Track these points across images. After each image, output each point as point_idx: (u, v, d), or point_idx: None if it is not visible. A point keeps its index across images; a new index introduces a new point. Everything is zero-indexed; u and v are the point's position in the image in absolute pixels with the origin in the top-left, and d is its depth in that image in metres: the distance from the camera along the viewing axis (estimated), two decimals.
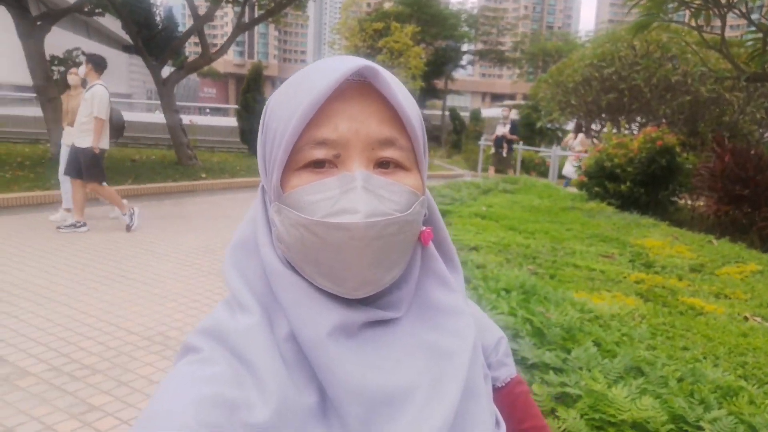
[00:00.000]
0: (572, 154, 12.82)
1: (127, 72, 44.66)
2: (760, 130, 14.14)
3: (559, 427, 1.93)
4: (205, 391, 0.53)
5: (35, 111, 13.68)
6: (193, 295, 4.90)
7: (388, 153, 0.60)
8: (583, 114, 17.60)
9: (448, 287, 0.67)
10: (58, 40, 14.87)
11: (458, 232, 5.05)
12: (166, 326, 4.23)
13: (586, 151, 12.41)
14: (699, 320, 3.07)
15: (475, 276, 3.46)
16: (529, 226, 5.49)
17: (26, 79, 11.80)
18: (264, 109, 0.66)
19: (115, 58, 40.32)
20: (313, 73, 0.61)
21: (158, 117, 15.24)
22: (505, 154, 13.75)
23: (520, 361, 2.42)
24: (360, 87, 0.60)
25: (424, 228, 0.66)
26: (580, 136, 13.30)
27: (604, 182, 9.07)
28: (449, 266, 0.73)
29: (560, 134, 22.83)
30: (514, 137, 13.66)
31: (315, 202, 0.58)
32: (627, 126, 15.93)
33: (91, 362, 3.62)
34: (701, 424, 1.91)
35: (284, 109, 0.60)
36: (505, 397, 0.76)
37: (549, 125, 21.64)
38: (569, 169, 12.55)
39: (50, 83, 11.71)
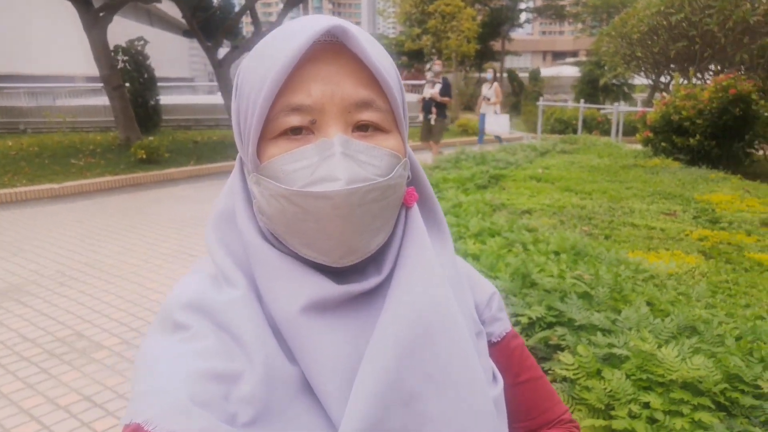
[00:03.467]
0: (488, 105, 11.84)
1: (188, 56, 45.91)
2: None
3: (604, 388, 1.88)
4: (197, 366, 0.54)
5: (105, 100, 14.32)
6: None
7: (366, 115, 0.58)
8: (650, 66, 16.68)
9: (427, 246, 0.64)
10: (123, 30, 15.47)
11: (511, 196, 4.94)
12: None
13: (499, 102, 11.94)
14: (766, 276, 2.89)
15: (525, 240, 3.38)
16: (586, 187, 5.30)
17: (96, 70, 12.35)
18: (236, 77, 0.64)
19: (176, 43, 41.50)
20: (281, 37, 0.59)
21: (218, 98, 15.59)
22: (433, 122, 10.25)
23: (567, 323, 2.36)
24: (332, 48, 0.58)
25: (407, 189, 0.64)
26: (495, 84, 11.79)
27: (672, 137, 8.60)
28: (435, 225, 0.71)
29: (626, 89, 21.79)
30: (446, 99, 10.22)
31: (293, 171, 0.56)
32: (699, 76, 14.98)
33: None
34: (759, 383, 1.81)
35: (255, 76, 0.58)
36: (501, 352, 0.74)
37: (614, 81, 20.67)
38: (494, 125, 11.66)
39: (115, 72, 12.20)
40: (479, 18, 26.95)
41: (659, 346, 2.02)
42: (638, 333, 2.15)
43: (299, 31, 0.57)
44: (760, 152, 9.02)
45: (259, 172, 0.59)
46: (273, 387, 0.55)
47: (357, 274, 0.62)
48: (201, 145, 12.61)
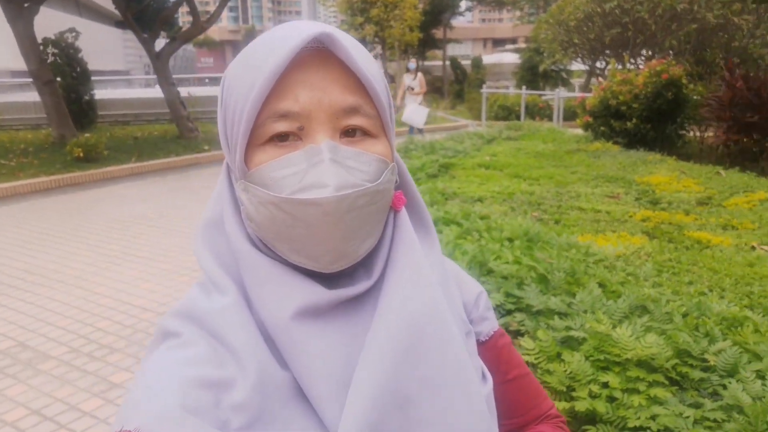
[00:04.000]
0: (412, 96, 11.66)
1: (122, 48, 44.18)
2: None
3: (565, 370, 1.94)
4: (188, 374, 0.53)
5: (34, 96, 13.62)
6: None
7: (354, 121, 0.59)
8: (586, 52, 17.20)
9: (417, 249, 0.65)
10: (50, 21, 14.72)
11: (462, 184, 5.02)
12: (179, 300, 4.28)
13: (423, 93, 11.79)
14: (705, 254, 3.05)
15: (479, 227, 3.45)
16: (533, 173, 5.44)
17: (21, 64, 11.71)
18: (221, 83, 0.63)
19: (108, 34, 39.84)
20: (268, 43, 0.58)
21: (156, 91, 15.08)
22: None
23: (525, 309, 2.43)
24: (319, 54, 0.58)
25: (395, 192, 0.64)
26: (420, 75, 11.60)
27: (610, 121, 8.92)
28: (422, 228, 0.72)
29: (564, 75, 22.41)
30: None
31: (282, 178, 0.56)
32: (632, 61, 15.57)
33: (109, 341, 3.69)
34: (706, 356, 1.91)
35: (241, 84, 0.58)
36: (490, 351, 0.75)
37: (553, 67, 21.22)
38: (412, 114, 11.27)
39: (44, 66, 11.59)
40: (421, 6, 27.05)
41: (614, 327, 2.11)
42: (593, 315, 2.24)
43: (286, 37, 0.57)
44: (691, 133, 9.47)
45: (247, 179, 0.59)
46: (265, 393, 0.55)
47: (347, 278, 0.62)
48: (141, 141, 12.19)
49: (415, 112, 11.35)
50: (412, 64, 12.12)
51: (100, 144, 9.97)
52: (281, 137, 0.58)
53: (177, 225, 6.37)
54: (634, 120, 8.58)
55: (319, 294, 0.59)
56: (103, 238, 5.97)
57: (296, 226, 0.56)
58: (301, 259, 0.59)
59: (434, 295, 0.63)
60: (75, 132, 11.53)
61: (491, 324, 0.77)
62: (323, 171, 0.55)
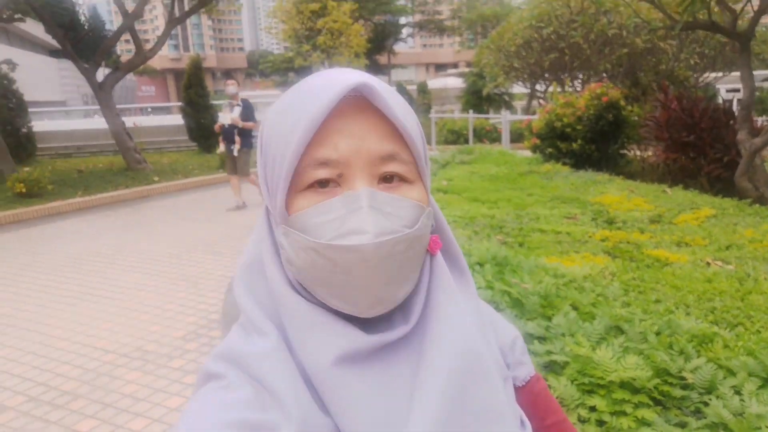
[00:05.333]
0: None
1: (58, 78, 42.66)
2: (695, 75, 14.66)
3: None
4: (231, 417, 0.54)
5: None
6: (166, 305, 4.81)
7: (391, 167, 0.60)
8: (527, 76, 17.86)
9: (456, 295, 0.67)
10: None
11: None
12: (142, 340, 4.15)
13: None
14: (666, 271, 3.21)
15: None
16: (491, 196, 5.59)
17: None
18: (260, 130, 0.65)
19: (42, 64, 38.46)
20: (308, 92, 0.60)
21: (98, 122, 14.66)
22: (236, 152, 8.27)
23: None
24: (357, 102, 0.59)
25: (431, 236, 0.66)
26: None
27: (556, 142, 9.27)
28: (457, 271, 0.73)
29: (507, 98, 23.13)
30: (249, 124, 8.24)
31: (322, 224, 0.58)
32: (571, 84, 16.26)
33: (71, 387, 3.53)
34: (683, 374, 2.01)
35: (282, 131, 0.60)
36: (527, 396, 0.76)
37: (495, 91, 21.89)
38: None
39: None
40: (365, 33, 27.48)
41: (593, 349, 2.19)
42: (572, 338, 2.32)
43: (326, 87, 0.59)
44: (632, 153, 9.94)
45: (287, 224, 0.61)
46: None
47: (384, 323, 0.63)
48: (87, 174, 11.77)
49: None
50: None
51: (43, 178, 9.58)
52: (321, 183, 0.59)
53: (133, 261, 6.17)
54: (579, 141, 8.95)
55: (358, 340, 0.60)
56: (55, 277, 5.71)
57: (335, 272, 0.58)
58: (339, 303, 0.60)
59: (475, 341, 0.64)
60: (14, 166, 11.04)
61: (528, 369, 0.78)
62: (362, 217, 0.56)
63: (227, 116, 8.24)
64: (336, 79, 0.59)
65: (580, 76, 16.55)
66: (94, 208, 9.27)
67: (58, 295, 5.16)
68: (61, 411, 3.28)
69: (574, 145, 8.97)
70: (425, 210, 0.63)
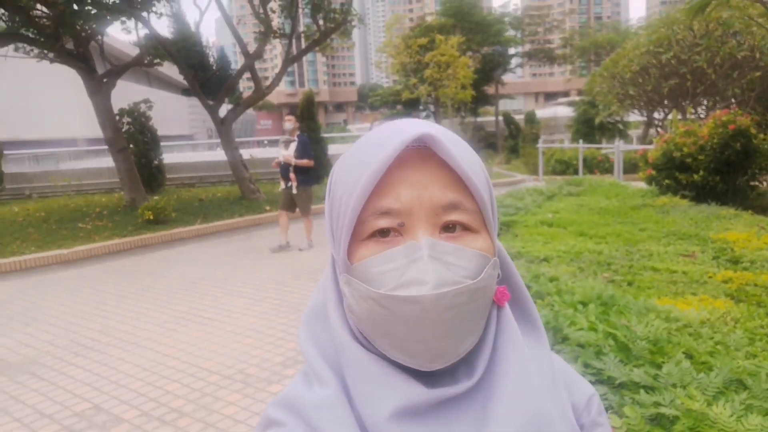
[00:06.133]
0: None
1: (187, 114, 46.77)
2: None
3: None
4: None
5: (108, 161, 14.49)
6: (268, 330, 4.99)
7: (454, 216, 0.59)
8: (643, 104, 16.97)
9: (524, 349, 0.64)
10: (122, 91, 15.78)
11: (525, 243, 4.93)
12: (244, 363, 4.32)
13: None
14: None
15: (549, 291, 3.35)
16: (599, 230, 5.29)
17: (97, 132, 12.56)
18: (329, 179, 0.66)
19: (175, 101, 42.38)
20: (374, 142, 0.61)
21: (220, 155, 15.79)
22: (295, 190, 7.89)
23: (607, 381, 2.31)
24: (420, 152, 0.59)
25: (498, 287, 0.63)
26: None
27: (675, 173, 8.65)
28: (528, 323, 0.70)
29: (621, 127, 22.09)
30: (303, 161, 7.83)
31: (382, 273, 0.57)
32: (693, 111, 15.22)
33: (178, 405, 3.73)
34: None
35: (347, 181, 0.61)
36: None
37: (609, 119, 20.99)
38: None
39: (119, 135, 12.38)
40: (473, 65, 27.57)
41: (708, 404, 1.97)
42: (684, 390, 2.10)
43: (390, 137, 0.59)
44: (765, 185, 9.05)
45: (349, 273, 0.60)
46: None
47: (447, 376, 0.61)
48: (206, 203, 12.67)
49: None
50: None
51: (168, 207, 10.43)
52: (383, 233, 0.59)
53: (241, 286, 6.50)
54: (702, 172, 8.29)
55: (418, 394, 0.58)
56: (172, 299, 6.14)
57: (395, 322, 0.56)
58: (399, 355, 0.58)
59: (544, 401, 0.61)
60: (145, 195, 12.14)
61: (605, 430, 0.72)
62: (422, 268, 0.56)
63: (281, 153, 7.94)
64: (400, 130, 0.59)
65: (705, 102, 15.48)
66: (210, 235, 9.92)
67: (172, 316, 5.53)
68: (168, 428, 3.47)
69: (696, 177, 8.32)
70: (490, 260, 0.61)
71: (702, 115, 14.97)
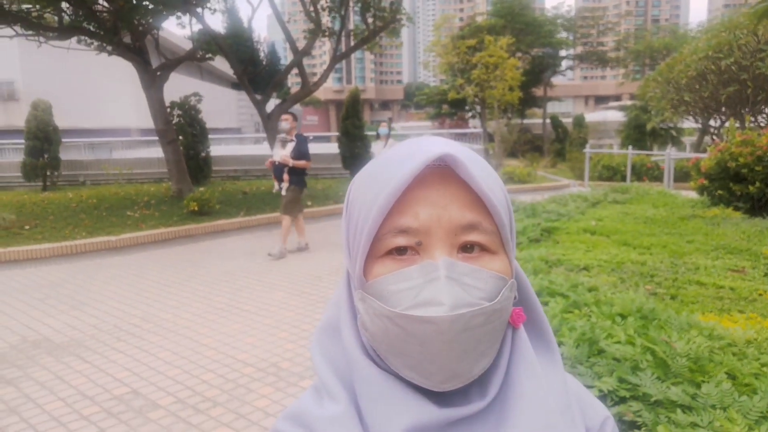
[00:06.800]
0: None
1: (236, 107, 47.73)
2: None
3: None
4: None
5: (158, 152, 14.93)
6: (303, 325, 5.05)
7: (472, 237, 0.59)
8: (699, 110, 16.39)
9: (538, 371, 0.63)
10: (176, 84, 16.26)
11: (566, 250, 4.82)
12: (278, 357, 4.38)
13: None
14: None
15: (587, 301, 3.27)
16: (644, 240, 5.14)
17: (149, 123, 12.97)
18: (347, 195, 0.66)
19: (224, 95, 43.27)
20: (393, 160, 0.60)
21: (266, 148, 16.06)
22: (284, 191, 7.69)
23: (642, 398, 2.24)
24: (440, 171, 0.59)
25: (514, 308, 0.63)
26: (391, 141, 8.43)
27: (729, 184, 8.31)
28: (543, 345, 0.69)
29: (674, 133, 21.41)
30: (301, 163, 7.57)
31: (398, 291, 0.57)
32: (752, 119, 14.61)
33: (212, 395, 3.81)
34: None
35: (365, 198, 0.60)
36: None
37: (661, 125, 20.36)
38: None
39: (170, 127, 12.75)
40: (521, 66, 27.18)
41: (750, 429, 1.88)
42: (723, 412, 2.01)
43: (410, 155, 0.58)
44: None
45: (364, 290, 0.60)
46: None
47: (460, 396, 0.61)
48: (250, 196, 12.90)
49: None
50: (384, 129, 8.80)
51: (213, 198, 10.67)
52: (399, 251, 0.59)
53: (280, 280, 6.59)
54: (758, 183, 7.94)
55: (429, 414, 0.58)
56: (212, 289, 6.28)
57: (409, 342, 0.56)
58: (412, 374, 0.58)
59: (557, 423, 0.60)
60: (191, 187, 12.46)
61: None
62: (439, 288, 0.55)
63: (278, 153, 7.61)
64: (421, 148, 0.59)
65: (765, 111, 14.83)
66: (252, 228, 10.11)
67: (212, 307, 5.65)
68: (202, 416, 3.55)
69: (751, 188, 7.97)
70: (507, 282, 0.60)
71: (762, 124, 14.35)
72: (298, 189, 7.78)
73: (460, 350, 0.56)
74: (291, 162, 7.50)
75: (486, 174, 0.61)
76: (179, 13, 12.24)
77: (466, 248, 0.59)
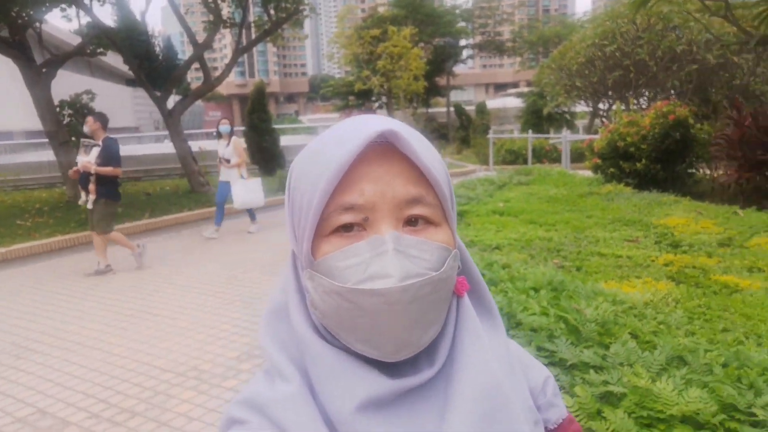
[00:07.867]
0: (230, 169, 8.49)
1: (132, 105, 45.20)
2: None
3: (607, 429, 1.89)
4: None
5: (48, 155, 13.89)
6: (221, 325, 4.91)
7: (416, 210, 0.60)
8: (589, 95, 17.46)
9: (482, 337, 0.65)
10: (62, 82, 15.14)
11: (478, 232, 5.01)
12: (198, 359, 4.24)
13: (242, 164, 8.56)
14: (735, 298, 3.00)
15: (502, 277, 3.42)
16: (549, 218, 5.43)
17: (37, 125, 12.03)
18: (288, 176, 0.66)
19: (119, 92, 40.86)
20: (335, 139, 0.61)
21: (167, 147, 15.37)
22: (90, 204, 6.61)
23: (559, 363, 2.38)
24: (382, 148, 0.60)
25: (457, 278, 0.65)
26: (234, 140, 8.47)
27: (619, 162, 8.96)
28: (485, 312, 0.71)
29: (568, 117, 22.68)
30: (107, 169, 6.48)
31: (346, 267, 0.57)
32: (636, 102, 15.77)
33: (130, 405, 3.63)
34: (753, 410, 1.85)
35: (308, 178, 0.60)
36: None
37: (557, 110, 21.51)
38: (243, 195, 8.49)
39: (61, 128, 11.89)
40: (425, 56, 27.71)
41: (653, 380, 2.05)
42: (630, 368, 2.19)
43: (352, 133, 0.59)
44: (701, 172, 9.48)
45: (313, 269, 0.60)
46: None
47: (409, 367, 0.62)
48: (154, 197, 12.32)
49: (246, 190, 8.53)
50: (225, 126, 8.56)
51: None
52: (346, 228, 0.59)
53: (193, 282, 6.36)
54: (644, 161, 8.61)
55: (382, 385, 0.59)
56: (120, 296, 5.95)
57: (360, 316, 0.57)
58: (364, 348, 0.59)
59: (502, 385, 0.62)
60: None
61: (560, 411, 0.75)
62: (387, 261, 0.56)
63: (80, 159, 6.52)
64: (362, 126, 0.60)
65: (646, 93, 16.05)
66: (159, 230, 9.66)
67: (120, 314, 5.36)
68: (120, 428, 3.37)
69: (638, 165, 8.65)
70: (451, 252, 0.62)
71: (644, 106, 15.52)
72: (111, 202, 6.76)
73: (409, 320, 0.57)
74: (93, 168, 6.40)
75: (426, 149, 0.62)
76: (63, 5, 11.41)
77: (411, 222, 0.60)
